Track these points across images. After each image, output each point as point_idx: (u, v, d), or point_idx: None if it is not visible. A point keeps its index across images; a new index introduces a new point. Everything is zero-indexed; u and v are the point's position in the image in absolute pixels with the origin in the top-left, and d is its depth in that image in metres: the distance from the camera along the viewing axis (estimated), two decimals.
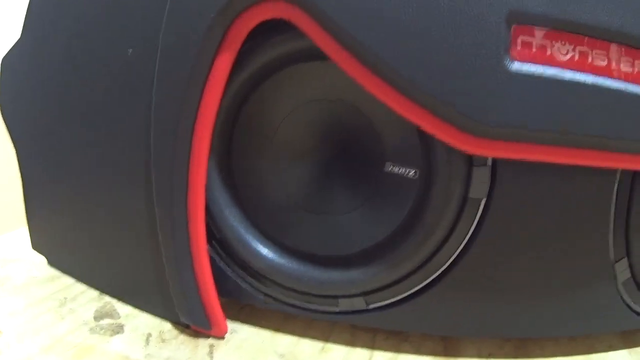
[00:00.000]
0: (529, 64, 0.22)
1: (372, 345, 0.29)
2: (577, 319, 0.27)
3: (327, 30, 0.22)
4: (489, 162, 0.24)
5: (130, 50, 0.28)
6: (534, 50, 0.22)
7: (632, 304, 0.27)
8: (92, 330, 0.30)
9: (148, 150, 0.27)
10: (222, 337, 0.29)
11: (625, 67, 0.22)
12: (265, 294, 0.29)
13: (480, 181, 0.24)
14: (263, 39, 0.25)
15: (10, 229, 0.44)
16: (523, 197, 0.24)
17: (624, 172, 0.24)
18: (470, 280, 0.26)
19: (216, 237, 0.29)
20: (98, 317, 0.31)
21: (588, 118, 0.22)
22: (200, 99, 0.25)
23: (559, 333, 0.28)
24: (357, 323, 0.29)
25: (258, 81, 0.27)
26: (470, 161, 0.24)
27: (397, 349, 0.28)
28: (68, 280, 0.35)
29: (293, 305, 0.29)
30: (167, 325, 0.30)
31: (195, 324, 0.29)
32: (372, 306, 0.28)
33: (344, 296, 0.28)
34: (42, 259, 0.37)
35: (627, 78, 0.22)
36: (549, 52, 0.22)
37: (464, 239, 0.25)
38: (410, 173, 0.26)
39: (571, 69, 0.22)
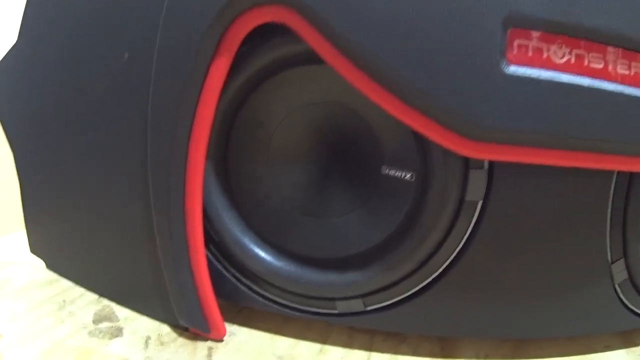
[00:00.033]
0: (525, 67, 0.22)
1: (370, 347, 0.29)
2: (574, 319, 0.27)
3: (323, 34, 0.22)
4: (486, 165, 0.24)
5: (127, 55, 0.27)
6: (530, 53, 0.22)
7: (629, 305, 0.27)
8: (91, 333, 0.30)
9: (145, 153, 0.27)
10: (221, 340, 0.30)
11: (621, 70, 0.22)
12: (263, 297, 0.29)
13: (477, 184, 0.24)
14: (260, 42, 0.25)
15: (9, 231, 0.44)
16: (520, 199, 0.24)
17: (621, 173, 0.24)
18: (468, 282, 0.26)
19: (214, 240, 0.29)
20: (97, 320, 0.31)
21: (584, 121, 0.22)
22: (197, 103, 0.25)
23: (557, 334, 0.28)
24: (355, 325, 0.29)
25: (255, 84, 0.27)
26: (467, 164, 0.24)
27: (395, 351, 0.29)
28: (67, 282, 0.35)
29: (291, 308, 0.29)
30: (165, 328, 0.31)
31: (193, 326, 0.29)
32: (369, 308, 0.28)
33: (341, 298, 0.28)
34: (41, 262, 0.37)
35: (623, 81, 0.22)
36: (545, 55, 0.22)
37: (461, 241, 0.25)
38: (407, 176, 0.26)
39: (567, 72, 0.22)
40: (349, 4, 0.22)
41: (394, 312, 0.27)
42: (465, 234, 0.25)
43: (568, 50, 0.22)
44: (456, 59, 0.21)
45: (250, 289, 0.30)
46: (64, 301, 0.33)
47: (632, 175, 0.25)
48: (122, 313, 0.32)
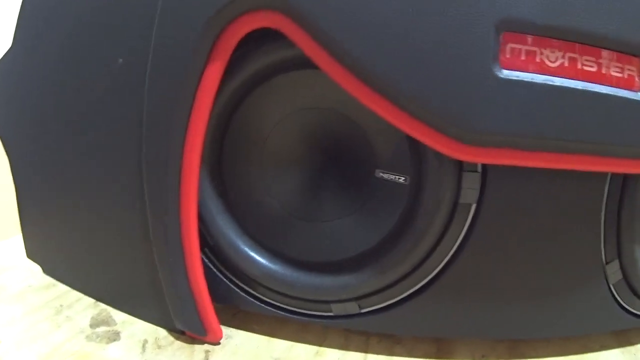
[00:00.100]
0: (518, 70, 0.22)
1: (365, 349, 0.29)
2: (569, 320, 0.27)
3: (316, 40, 0.22)
4: (479, 168, 0.24)
5: (121, 60, 0.27)
6: (523, 57, 0.22)
7: (624, 305, 0.27)
8: (88, 337, 0.30)
9: (140, 157, 0.27)
10: (218, 343, 0.30)
11: (615, 73, 0.22)
12: (259, 300, 0.30)
13: (471, 187, 0.24)
14: (255, 46, 0.25)
15: (6, 236, 0.44)
16: (514, 202, 0.25)
17: (614, 175, 0.24)
18: (462, 284, 0.26)
19: (209, 243, 0.29)
20: (94, 324, 0.31)
21: (578, 124, 0.22)
22: (192, 107, 0.25)
23: (552, 334, 0.28)
24: (350, 327, 0.29)
25: (249, 89, 0.27)
26: (461, 167, 0.24)
27: (391, 352, 0.29)
28: (64, 287, 0.35)
29: (287, 310, 0.29)
30: (162, 332, 0.31)
31: (190, 330, 0.29)
32: (365, 310, 0.28)
33: (336, 301, 0.28)
34: (38, 266, 0.37)
35: (617, 83, 0.22)
36: (538, 59, 0.22)
37: (455, 243, 0.25)
38: (401, 179, 0.26)
39: (561, 76, 0.22)
40: (341, 10, 0.22)
41: (389, 314, 0.27)
42: (459, 237, 0.25)
43: (561, 53, 0.22)
44: (449, 63, 0.21)
45: (245, 292, 0.30)
46: (61, 306, 0.34)
47: (625, 177, 0.25)
48: (119, 317, 0.32)
